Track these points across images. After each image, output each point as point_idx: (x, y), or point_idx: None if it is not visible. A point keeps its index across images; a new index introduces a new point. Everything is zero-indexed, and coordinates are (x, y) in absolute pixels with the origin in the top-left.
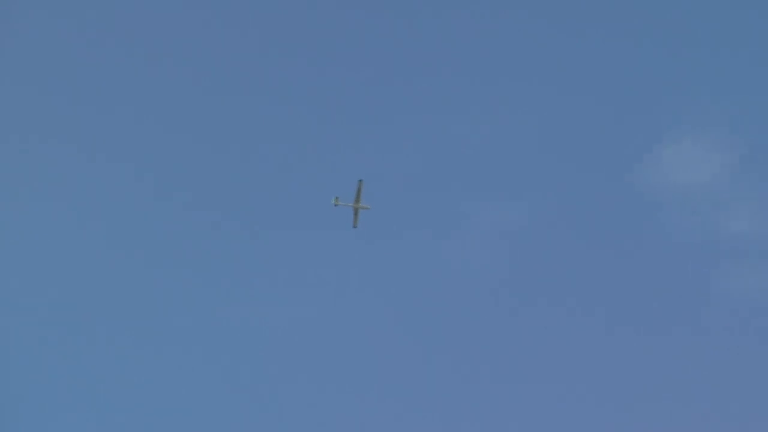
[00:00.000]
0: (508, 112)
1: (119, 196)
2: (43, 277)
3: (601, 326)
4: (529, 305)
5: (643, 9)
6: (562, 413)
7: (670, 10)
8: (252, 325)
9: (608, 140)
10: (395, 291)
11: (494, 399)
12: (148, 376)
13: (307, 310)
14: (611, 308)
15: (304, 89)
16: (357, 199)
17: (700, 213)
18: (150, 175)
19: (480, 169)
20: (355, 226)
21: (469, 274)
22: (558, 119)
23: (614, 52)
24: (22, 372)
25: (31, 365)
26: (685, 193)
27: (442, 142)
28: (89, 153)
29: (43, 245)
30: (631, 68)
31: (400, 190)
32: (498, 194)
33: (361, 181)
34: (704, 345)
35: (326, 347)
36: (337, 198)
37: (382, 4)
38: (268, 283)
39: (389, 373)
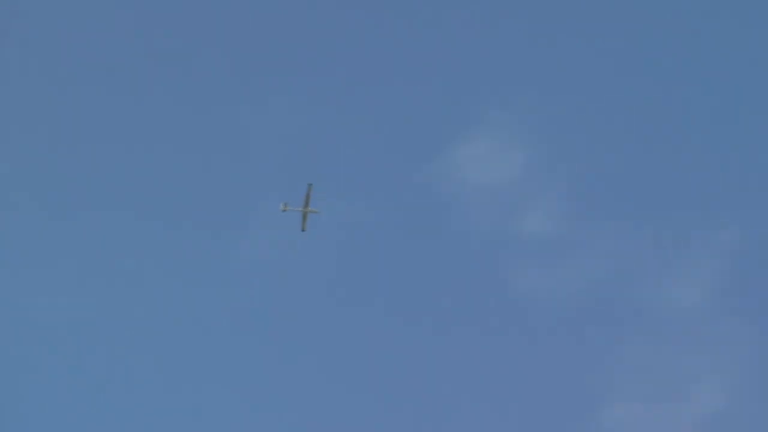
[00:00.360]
0: (295, 108)
1: None
2: None
3: (394, 327)
4: (319, 305)
5: (440, 5)
6: (352, 412)
7: (470, 6)
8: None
9: (399, 140)
10: (215, 287)
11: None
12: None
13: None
14: (403, 309)
15: None
16: (306, 203)
17: (494, 213)
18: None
19: (271, 169)
20: (303, 230)
21: (257, 275)
22: (347, 118)
23: (406, 49)
24: None
25: None
26: (479, 193)
27: (223, 135)
28: None
29: None
30: (426, 66)
31: (197, 192)
32: (284, 196)
33: (310, 184)
34: (500, 345)
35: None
36: (285, 203)
37: None
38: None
39: (204, 368)
